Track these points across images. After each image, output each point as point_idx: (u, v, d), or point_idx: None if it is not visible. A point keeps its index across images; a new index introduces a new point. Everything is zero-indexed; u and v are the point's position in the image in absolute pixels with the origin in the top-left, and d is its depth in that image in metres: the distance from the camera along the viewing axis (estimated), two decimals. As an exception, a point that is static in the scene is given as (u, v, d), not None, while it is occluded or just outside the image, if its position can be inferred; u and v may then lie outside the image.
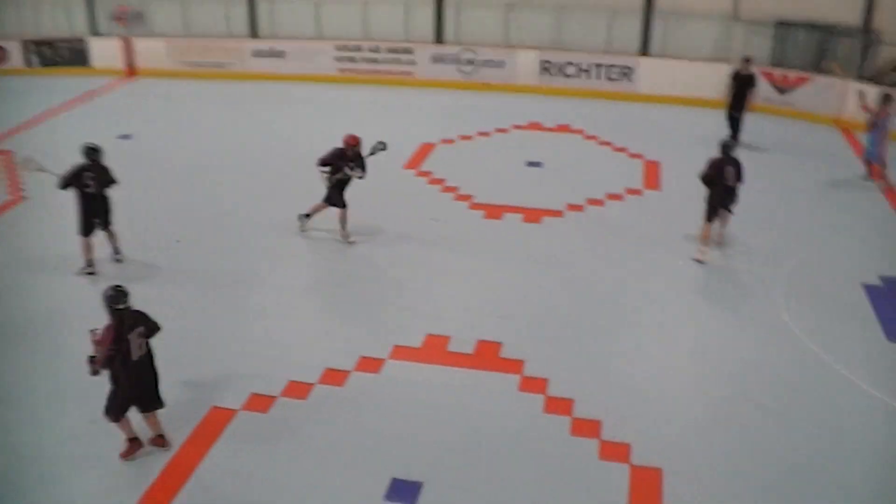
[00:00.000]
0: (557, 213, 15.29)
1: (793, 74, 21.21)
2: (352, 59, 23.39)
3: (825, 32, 21.66)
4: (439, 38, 23.51)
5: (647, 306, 12.42)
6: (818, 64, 21.57)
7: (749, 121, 18.68)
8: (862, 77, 20.75)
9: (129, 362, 8.57)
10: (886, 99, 16.76)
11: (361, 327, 11.67)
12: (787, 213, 15.66)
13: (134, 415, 9.04)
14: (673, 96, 22.00)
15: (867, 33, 21.18)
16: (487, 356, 11.02)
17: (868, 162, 17.30)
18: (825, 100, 20.53)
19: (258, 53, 24.16)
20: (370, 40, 23.50)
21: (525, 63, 22.94)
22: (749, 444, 9.61)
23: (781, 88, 21.25)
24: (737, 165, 13.63)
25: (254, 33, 24.75)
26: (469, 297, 12.55)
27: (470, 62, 23.03)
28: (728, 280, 13.34)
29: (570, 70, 22.77)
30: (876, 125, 16.83)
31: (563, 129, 20.18)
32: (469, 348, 11.14)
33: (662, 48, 22.83)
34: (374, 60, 23.34)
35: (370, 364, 10.74)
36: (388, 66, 23.39)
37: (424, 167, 17.35)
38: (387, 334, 11.40)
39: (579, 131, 19.99)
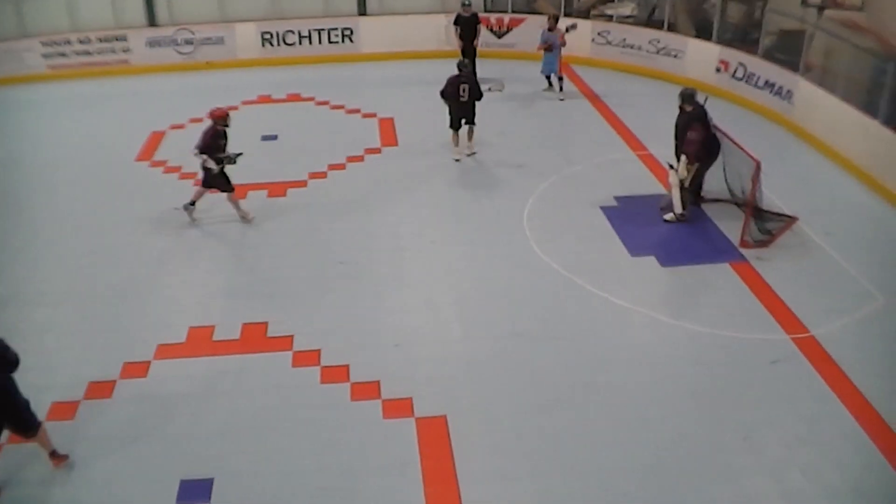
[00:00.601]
0: (301, 184, 15.26)
1: (507, 18, 22.01)
2: (62, 55, 22.06)
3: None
4: (153, 20, 22.60)
5: (404, 257, 12.76)
6: (529, 5, 22.50)
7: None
8: (569, 13, 21.83)
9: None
10: (554, 22, 18.96)
11: (121, 332, 11.18)
12: (522, 145, 16.50)
13: None
14: (395, 52, 22.29)
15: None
16: (255, 338, 10.94)
17: (548, 77, 19.43)
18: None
19: (-44, 62, 22.32)
20: (79, 31, 22.24)
21: (245, 36, 22.48)
22: (525, 373, 10.18)
23: (498, 32, 22.01)
24: (471, 82, 15.31)
25: (-54, 40, 22.85)
26: (226, 281, 12.38)
27: (188, 42, 22.33)
28: (478, 217, 13.86)
29: (292, 38, 22.56)
30: (553, 47, 18.88)
31: (294, 98, 20.06)
32: (235, 333, 11.00)
33: (380, 6, 23.04)
34: (87, 52, 22.14)
35: (136, 369, 10.37)
36: (103, 57, 22.22)
37: (158, 157, 16.72)
38: (148, 335, 11.02)
39: (310, 98, 19.94)
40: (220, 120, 13.17)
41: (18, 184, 15.75)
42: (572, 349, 10.60)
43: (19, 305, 11.85)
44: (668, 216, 13.50)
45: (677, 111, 13.55)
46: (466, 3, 19.60)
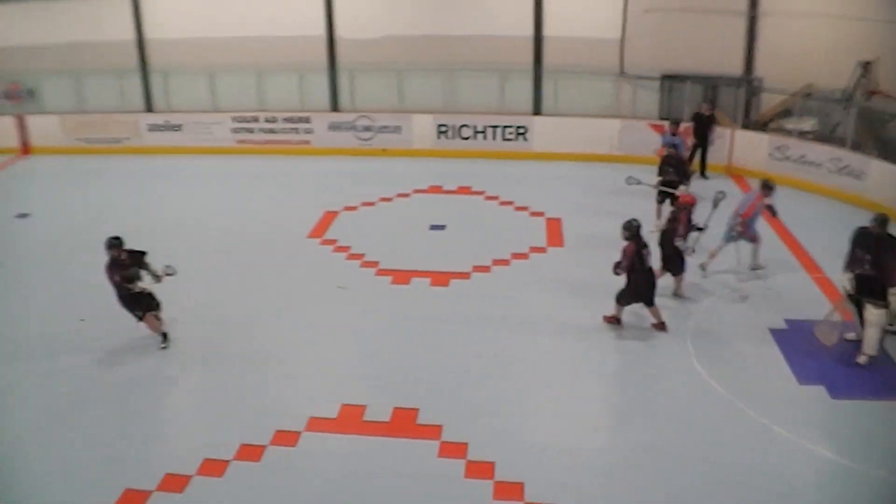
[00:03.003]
0: (465, 276, 15.31)
1: (682, 126, 21.75)
2: (249, 131, 23.25)
3: (710, 83, 22.40)
4: (335, 105, 23.57)
5: (559, 364, 12.41)
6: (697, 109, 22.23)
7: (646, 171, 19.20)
8: (747, 125, 21.49)
9: (642, 270, 12.58)
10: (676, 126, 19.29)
11: (276, 400, 11.42)
12: (690, 260, 16.04)
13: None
14: (568, 153, 22.35)
15: (749, 82, 21.97)
16: (405, 423, 10.90)
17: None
18: (715, 149, 21.06)
19: (154, 127, 23.90)
20: (267, 110, 23.42)
21: (421, 127, 23.13)
22: (663, 492, 9.68)
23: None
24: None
25: (149, 107, 24.48)
26: (383, 363, 12.43)
27: (367, 129, 23.11)
28: (637, 331, 13.41)
29: (466, 132, 23.04)
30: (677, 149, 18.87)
31: (464, 190, 20.34)
32: (386, 416, 11.00)
33: (554, 106, 23.30)
34: (272, 130, 23.25)
35: (286, 438, 10.52)
36: (287, 136, 23.30)
37: (328, 235, 17.24)
38: (301, 406, 11.19)
39: (480, 192, 20.17)
40: (689, 206, 13.78)
41: (200, 243, 16.80)
42: (725, 476, 9.94)
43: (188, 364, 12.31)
44: (862, 359, 12.30)
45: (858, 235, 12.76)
46: (708, 100, 20.54)
